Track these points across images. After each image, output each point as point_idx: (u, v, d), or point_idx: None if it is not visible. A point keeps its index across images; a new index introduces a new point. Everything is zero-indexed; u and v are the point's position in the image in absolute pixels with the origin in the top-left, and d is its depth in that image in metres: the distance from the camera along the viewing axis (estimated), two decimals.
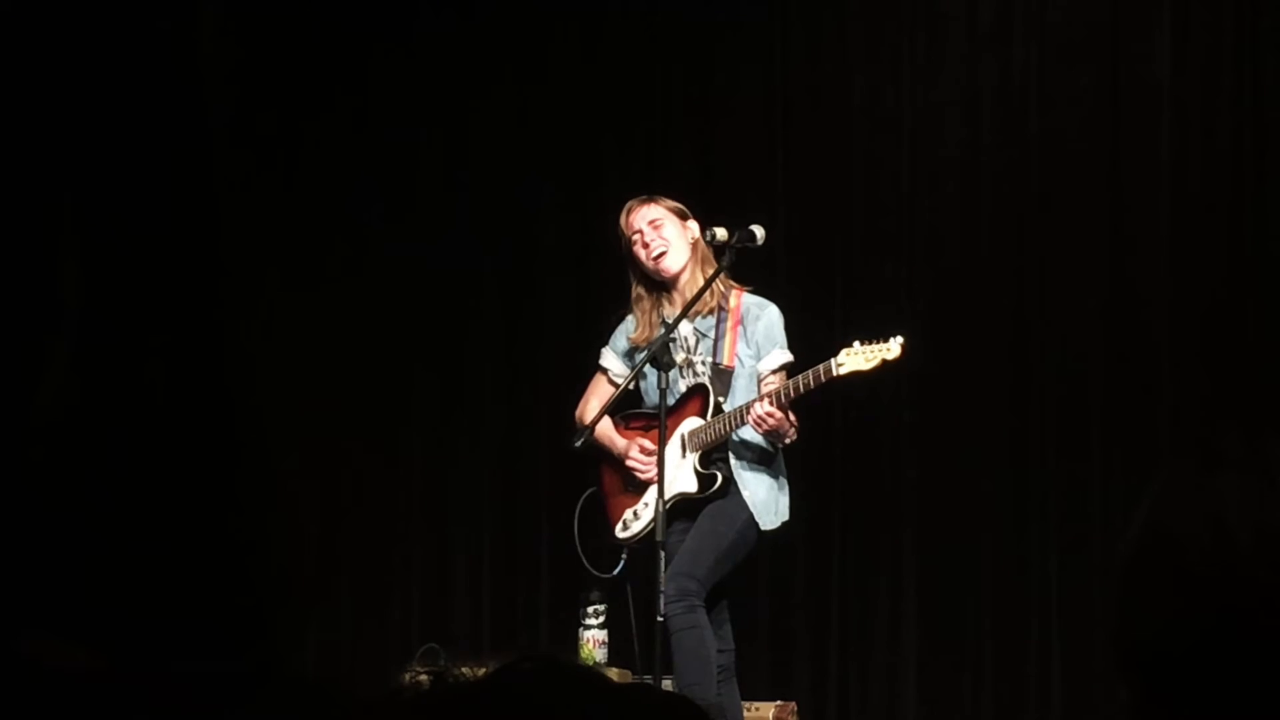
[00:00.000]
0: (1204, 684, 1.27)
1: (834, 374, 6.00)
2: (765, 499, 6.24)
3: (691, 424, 6.30)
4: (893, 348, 6.03)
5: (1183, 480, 1.33)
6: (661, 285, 6.38)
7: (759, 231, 6.19)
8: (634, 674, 6.62)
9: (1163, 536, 1.31)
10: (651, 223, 6.34)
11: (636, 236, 6.34)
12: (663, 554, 5.99)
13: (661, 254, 6.31)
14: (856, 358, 6.01)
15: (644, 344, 6.35)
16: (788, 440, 6.19)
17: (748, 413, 6.08)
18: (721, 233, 6.23)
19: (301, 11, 8.30)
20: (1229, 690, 1.26)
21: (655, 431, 6.21)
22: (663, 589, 5.98)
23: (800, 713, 7.07)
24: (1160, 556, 1.31)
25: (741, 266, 6.33)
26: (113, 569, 1.01)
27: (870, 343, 6.03)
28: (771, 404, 6.03)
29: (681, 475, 6.26)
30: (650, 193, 6.47)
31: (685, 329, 6.33)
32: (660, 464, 6.04)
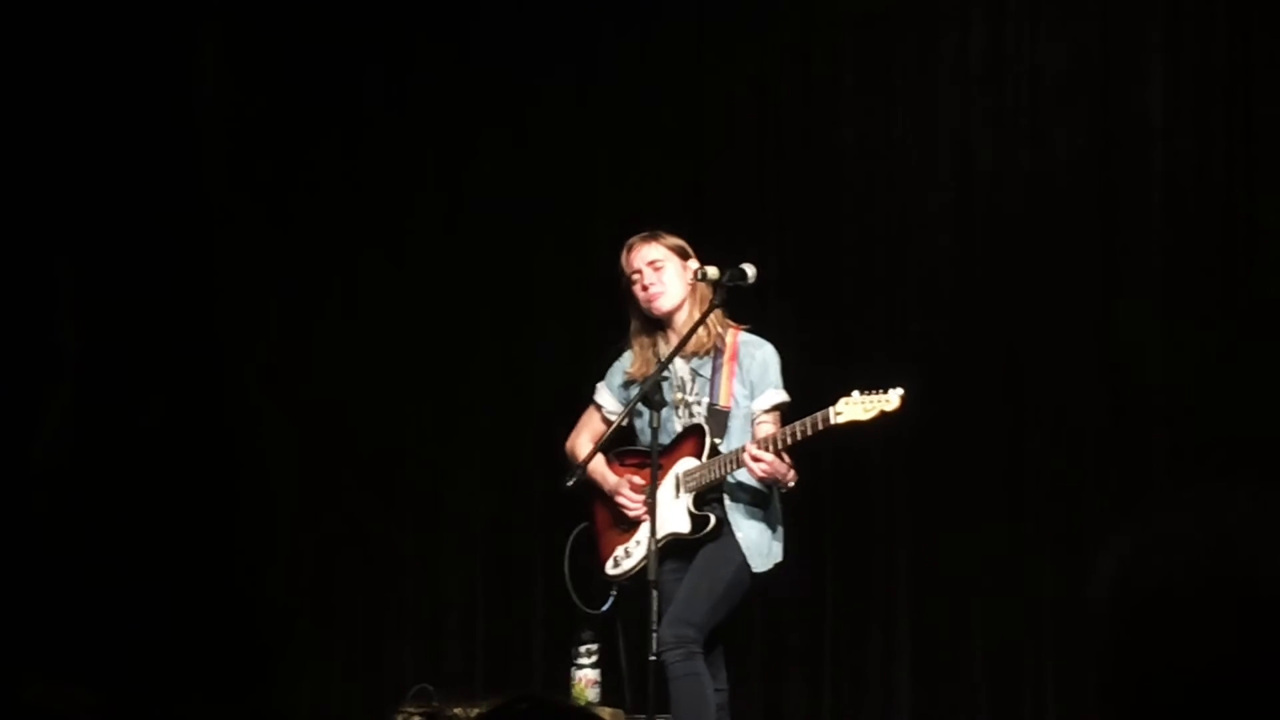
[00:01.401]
0: None
1: (831, 423, 5.99)
2: (758, 541, 6.22)
3: (686, 464, 6.29)
4: (892, 399, 6.02)
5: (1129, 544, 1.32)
6: (659, 323, 6.39)
7: (750, 270, 6.18)
8: (626, 714, 6.60)
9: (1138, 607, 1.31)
10: (651, 263, 6.34)
11: (636, 276, 6.35)
12: (655, 594, 5.97)
13: (658, 294, 6.31)
14: (855, 407, 6.00)
15: (640, 378, 6.35)
16: (788, 485, 6.17)
17: (742, 455, 6.07)
18: (713, 271, 6.23)
19: (296, 53, 8.30)
20: None
21: (649, 470, 6.20)
22: (655, 629, 5.96)
23: None
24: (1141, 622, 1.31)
25: (738, 305, 6.32)
26: (112, 614, 1.01)
27: (869, 393, 6.02)
28: (763, 448, 6.02)
29: (675, 516, 6.25)
30: (645, 229, 6.47)
31: (681, 369, 6.32)
32: (651, 503, 6.03)
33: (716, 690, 6.20)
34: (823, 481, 7.68)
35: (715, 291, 6.23)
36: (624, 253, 6.40)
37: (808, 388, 6.27)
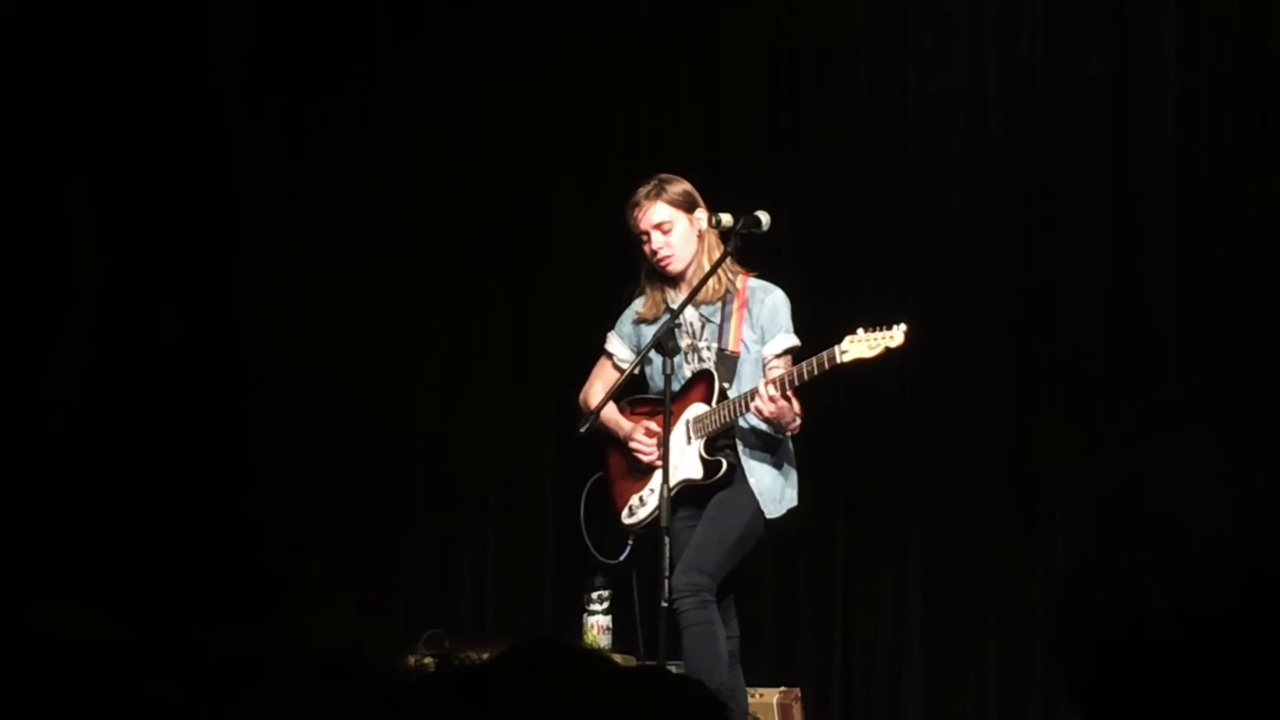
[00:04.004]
0: None
1: (837, 361, 5.99)
2: (770, 486, 6.23)
3: (696, 410, 6.29)
4: (896, 335, 6.02)
5: (1092, 545, 1.32)
6: None
7: (764, 217, 6.17)
8: (638, 660, 6.61)
9: (1079, 605, 1.31)
10: (658, 226, 6.29)
11: (644, 239, 6.32)
12: (668, 540, 5.98)
13: (668, 259, 6.29)
14: (860, 345, 6.00)
15: (652, 318, 6.34)
16: (792, 429, 6.17)
17: (752, 400, 6.07)
18: (727, 218, 6.21)
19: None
20: None
21: (661, 416, 6.20)
22: (667, 575, 5.98)
23: (804, 699, 7.06)
24: (1079, 624, 1.31)
25: (747, 252, 6.31)
26: (130, 540, 1.01)
27: (874, 330, 6.02)
28: (775, 390, 6.02)
29: (687, 461, 6.25)
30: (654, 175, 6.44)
31: (691, 314, 6.31)
32: (665, 450, 6.03)
33: (728, 638, 6.21)
34: (837, 430, 7.70)
35: (729, 239, 6.22)
36: (631, 209, 6.34)
37: (818, 333, 6.27)
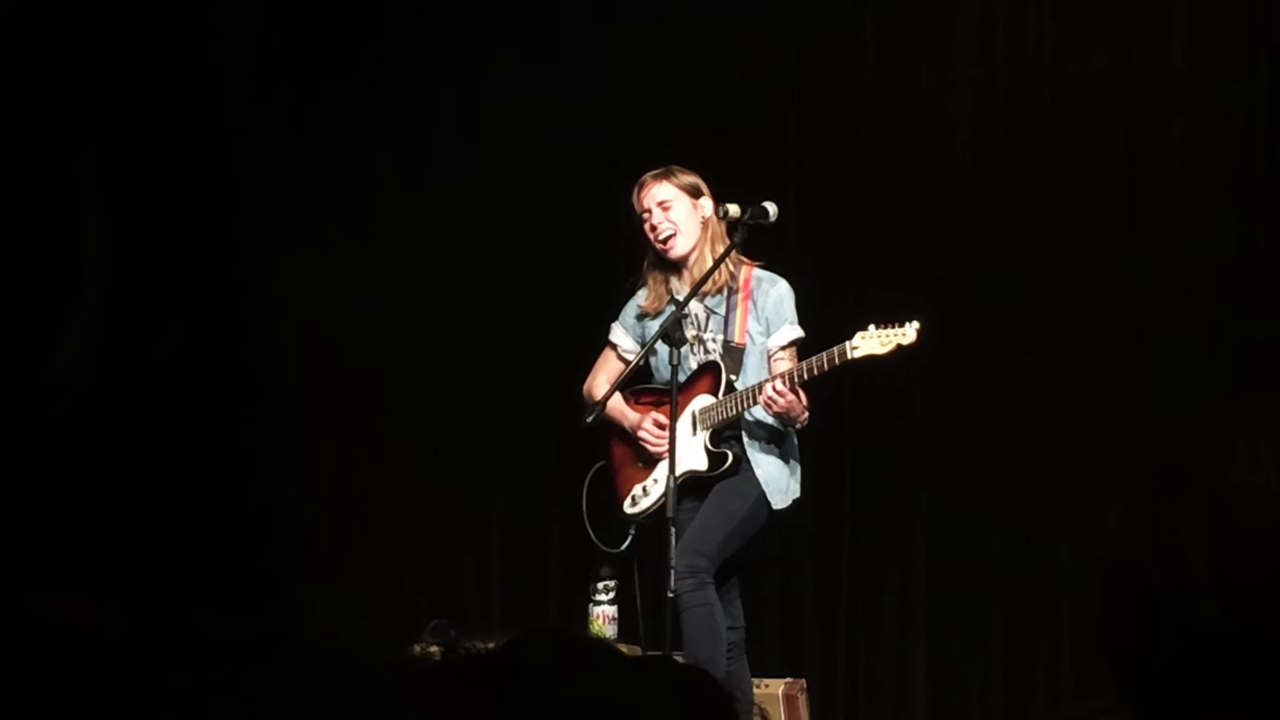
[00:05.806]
0: (1171, 700, 1.28)
1: (848, 357, 5.99)
2: (776, 477, 6.23)
3: (702, 402, 6.29)
4: (908, 333, 6.02)
5: (1142, 504, 1.32)
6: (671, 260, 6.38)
7: (771, 208, 6.17)
8: (642, 650, 6.62)
9: (1124, 565, 1.32)
10: (661, 204, 6.31)
11: (646, 216, 6.33)
12: (673, 530, 5.99)
13: (669, 236, 6.29)
14: (872, 341, 6.00)
15: (654, 312, 6.34)
16: (801, 422, 6.17)
17: (760, 393, 6.06)
18: (734, 209, 6.21)
19: None
20: (1194, 708, 1.27)
21: (666, 407, 6.21)
22: (672, 566, 5.98)
23: (810, 690, 7.07)
24: (1124, 584, 1.32)
25: (753, 244, 6.31)
26: (135, 530, 1.02)
27: (886, 327, 6.02)
28: (784, 384, 6.02)
29: (692, 453, 6.26)
30: (662, 164, 6.45)
31: (695, 306, 6.32)
32: (672, 440, 6.04)
33: (733, 629, 6.22)
34: (843, 425, 7.69)
35: (736, 230, 6.22)
36: (636, 189, 6.38)
37: (825, 325, 6.27)
